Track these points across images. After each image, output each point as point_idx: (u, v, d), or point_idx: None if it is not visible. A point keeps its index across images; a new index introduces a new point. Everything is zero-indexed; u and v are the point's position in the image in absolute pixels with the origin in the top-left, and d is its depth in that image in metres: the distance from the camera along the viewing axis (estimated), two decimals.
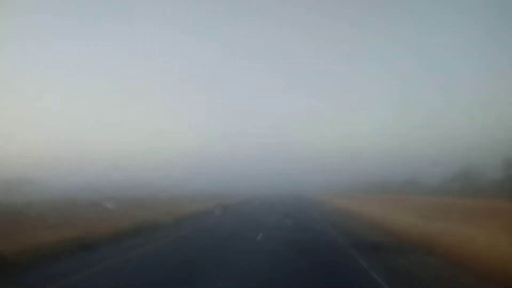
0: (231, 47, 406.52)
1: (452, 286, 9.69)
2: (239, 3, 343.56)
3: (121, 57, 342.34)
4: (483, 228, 15.76)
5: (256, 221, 27.53)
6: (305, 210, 42.31)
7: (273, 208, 45.66)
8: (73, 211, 29.79)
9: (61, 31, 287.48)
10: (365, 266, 11.33)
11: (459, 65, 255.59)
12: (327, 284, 9.50)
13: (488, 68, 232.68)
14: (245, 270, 10.97)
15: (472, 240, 13.79)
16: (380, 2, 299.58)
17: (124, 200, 53.01)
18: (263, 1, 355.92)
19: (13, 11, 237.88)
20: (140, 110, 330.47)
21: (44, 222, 20.44)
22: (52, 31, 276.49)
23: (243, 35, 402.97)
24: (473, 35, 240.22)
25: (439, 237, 15.63)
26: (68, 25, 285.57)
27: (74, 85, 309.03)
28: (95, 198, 46.63)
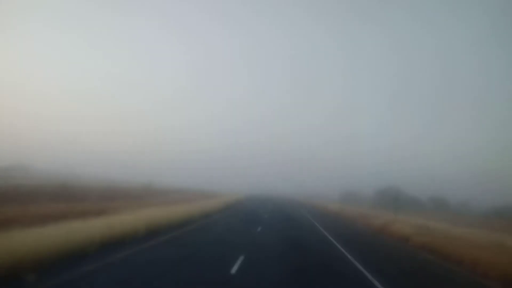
0: (226, 45, 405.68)
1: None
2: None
3: (123, 51, 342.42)
4: None
5: None
6: None
7: None
8: None
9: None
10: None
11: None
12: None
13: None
14: None
15: None
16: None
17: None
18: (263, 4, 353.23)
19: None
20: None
21: None
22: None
23: (250, 36, 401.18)
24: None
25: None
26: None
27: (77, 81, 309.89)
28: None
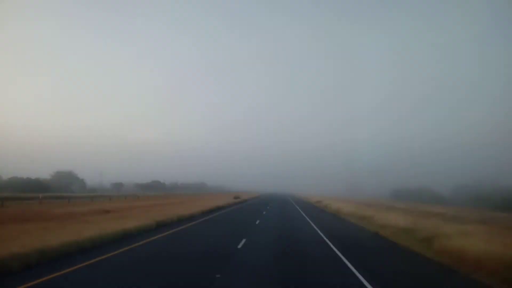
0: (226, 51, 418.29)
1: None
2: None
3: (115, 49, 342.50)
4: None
5: None
6: None
7: None
8: None
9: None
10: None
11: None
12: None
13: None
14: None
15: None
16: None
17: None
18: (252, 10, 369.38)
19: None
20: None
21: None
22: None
23: (243, 43, 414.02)
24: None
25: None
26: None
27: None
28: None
